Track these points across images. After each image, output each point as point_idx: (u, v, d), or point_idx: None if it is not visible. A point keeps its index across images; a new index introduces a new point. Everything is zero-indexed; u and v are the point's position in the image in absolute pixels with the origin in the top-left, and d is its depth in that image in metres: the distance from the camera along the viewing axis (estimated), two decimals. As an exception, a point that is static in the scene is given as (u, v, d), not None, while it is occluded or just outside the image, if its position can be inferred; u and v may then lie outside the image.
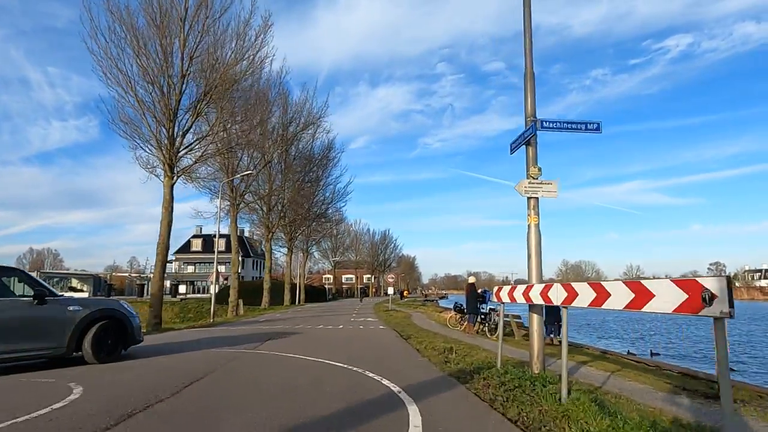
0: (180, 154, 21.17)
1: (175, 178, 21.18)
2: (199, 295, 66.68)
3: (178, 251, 79.17)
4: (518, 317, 15.90)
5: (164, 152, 20.58)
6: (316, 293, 66.10)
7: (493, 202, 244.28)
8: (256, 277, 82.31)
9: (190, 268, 78.92)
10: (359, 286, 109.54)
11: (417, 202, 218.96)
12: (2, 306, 7.02)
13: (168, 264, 79.36)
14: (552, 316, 12.93)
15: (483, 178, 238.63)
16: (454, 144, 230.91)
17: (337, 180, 39.10)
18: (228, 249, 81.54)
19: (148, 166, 21.09)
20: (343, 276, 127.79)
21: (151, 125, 20.36)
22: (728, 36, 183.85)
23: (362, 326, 18.37)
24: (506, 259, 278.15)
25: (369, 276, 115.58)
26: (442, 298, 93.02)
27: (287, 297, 46.78)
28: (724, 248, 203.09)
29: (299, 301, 49.91)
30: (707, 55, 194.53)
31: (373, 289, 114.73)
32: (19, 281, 7.59)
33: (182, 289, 76.14)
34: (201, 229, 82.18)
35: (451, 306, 22.90)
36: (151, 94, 20.05)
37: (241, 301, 34.26)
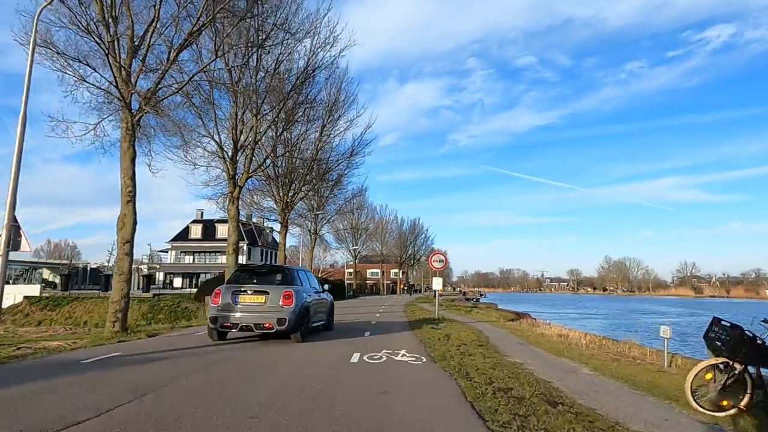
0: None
1: (136, 114, 12.86)
2: (193, 291, 55.56)
3: (174, 239, 68.28)
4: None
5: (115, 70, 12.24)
6: (332, 289, 53.61)
7: (524, 199, 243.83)
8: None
9: (188, 259, 67.88)
10: (385, 282, 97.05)
11: (446, 199, 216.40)
12: (317, 296, 11.90)
13: (163, 254, 68.78)
14: None
15: (513, 174, 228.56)
16: (484, 140, 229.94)
17: (352, 123, 26.55)
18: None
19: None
20: (368, 270, 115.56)
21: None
22: None
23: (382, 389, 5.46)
24: (536, 257, 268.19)
25: (396, 271, 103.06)
26: (481, 296, 79.54)
27: None
28: (764, 246, 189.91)
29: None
30: (751, 45, 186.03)
31: (402, 285, 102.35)
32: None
33: (178, 282, 65.15)
34: (202, 213, 71.00)
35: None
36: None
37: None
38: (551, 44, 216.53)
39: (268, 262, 72.37)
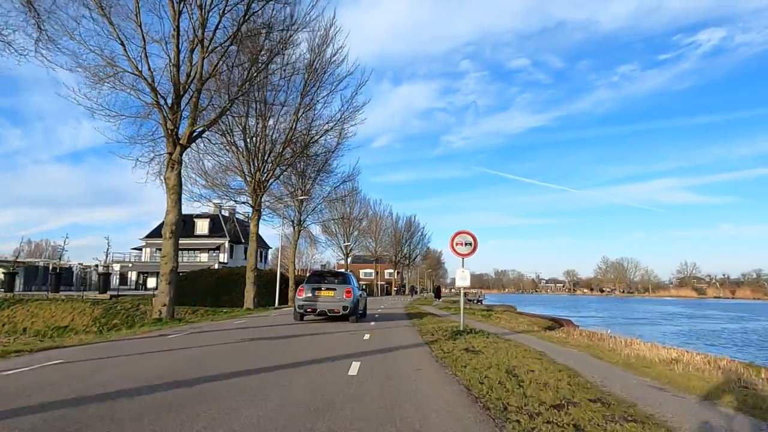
0: None
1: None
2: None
3: (149, 235, 62.29)
4: None
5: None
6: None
7: (517, 201, 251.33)
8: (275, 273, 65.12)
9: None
10: (379, 282, 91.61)
11: (439, 200, 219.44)
12: (360, 293, 16.23)
13: (137, 251, 62.90)
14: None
15: (506, 176, 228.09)
16: (478, 142, 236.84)
17: (338, 74, 21.06)
18: (214, 232, 64.38)
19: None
20: (362, 270, 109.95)
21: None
22: (764, 29, 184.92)
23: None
24: (529, 258, 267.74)
25: (391, 271, 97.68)
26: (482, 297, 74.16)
27: (291, 293, 29.99)
28: (756, 248, 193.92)
29: (288, 300, 32.26)
30: (741, 48, 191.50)
31: (395, 287, 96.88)
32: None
33: (152, 282, 59.09)
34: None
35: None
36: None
37: (167, 301, 16.49)
38: (544, 47, 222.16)
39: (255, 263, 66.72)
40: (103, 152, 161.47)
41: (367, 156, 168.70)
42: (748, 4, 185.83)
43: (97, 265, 63.68)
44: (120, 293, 34.71)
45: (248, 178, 21.50)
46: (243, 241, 63.88)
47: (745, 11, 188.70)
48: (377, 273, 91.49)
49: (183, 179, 15.50)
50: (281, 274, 32.12)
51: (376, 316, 19.04)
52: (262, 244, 68.01)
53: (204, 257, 59.45)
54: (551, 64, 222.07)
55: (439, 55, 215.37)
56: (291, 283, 32.34)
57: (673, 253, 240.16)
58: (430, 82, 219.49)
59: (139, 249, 61.91)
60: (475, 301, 58.04)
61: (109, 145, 30.93)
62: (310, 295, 14.42)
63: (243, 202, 23.32)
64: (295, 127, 21.63)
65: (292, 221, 32.13)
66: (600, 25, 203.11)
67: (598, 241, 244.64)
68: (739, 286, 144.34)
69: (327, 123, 22.59)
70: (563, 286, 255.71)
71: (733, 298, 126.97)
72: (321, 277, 15.58)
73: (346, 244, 51.56)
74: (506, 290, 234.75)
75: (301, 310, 14.46)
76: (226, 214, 67.24)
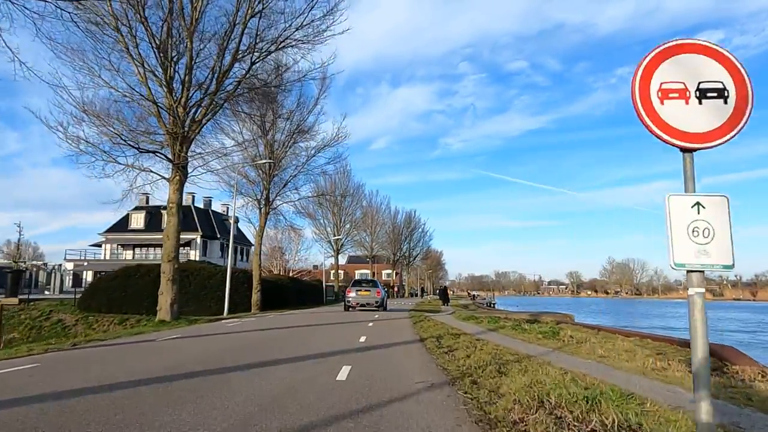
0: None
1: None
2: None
3: (110, 230, 54.11)
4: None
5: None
6: (305, 292, 40.03)
7: (515, 203, 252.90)
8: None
9: (128, 254, 53.65)
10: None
11: (437, 203, 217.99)
12: (384, 292, 25.28)
13: (96, 248, 54.64)
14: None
15: (505, 178, 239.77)
16: (476, 144, 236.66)
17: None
18: (185, 226, 56.18)
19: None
20: (357, 271, 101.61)
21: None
22: (761, 31, 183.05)
23: None
24: (529, 260, 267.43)
25: (390, 272, 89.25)
26: (492, 303, 66.18)
27: (254, 297, 22.98)
28: (754, 249, 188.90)
29: (256, 305, 24.13)
30: (738, 51, 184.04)
31: (394, 289, 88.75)
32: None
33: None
34: (147, 199, 56.91)
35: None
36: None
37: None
38: (543, 49, 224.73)
39: (235, 261, 58.25)
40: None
41: (365, 158, 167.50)
42: (745, 6, 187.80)
43: (45, 264, 54.93)
44: (32, 298, 26.53)
45: (164, 109, 13.30)
46: (219, 236, 55.73)
47: (742, 13, 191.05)
48: (374, 274, 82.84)
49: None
50: (232, 272, 24.05)
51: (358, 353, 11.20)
52: (242, 240, 59.67)
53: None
54: (549, 67, 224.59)
55: (438, 57, 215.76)
56: (255, 283, 24.22)
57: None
58: (429, 84, 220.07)
59: (98, 245, 53.63)
60: (485, 305, 50.03)
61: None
62: (354, 294, 24.04)
63: (157, 152, 14.68)
64: (246, 19, 13.49)
65: (258, 201, 24.03)
66: (598, 28, 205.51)
67: (598, 242, 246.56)
68: (757, 287, 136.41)
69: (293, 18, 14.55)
70: (566, 288, 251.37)
71: (754, 300, 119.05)
72: (360, 283, 26.71)
73: (336, 237, 43.35)
74: (506, 292, 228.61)
75: (349, 304, 24.05)
76: (201, 205, 59.12)
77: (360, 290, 23.87)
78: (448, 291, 41.29)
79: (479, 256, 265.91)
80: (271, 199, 23.91)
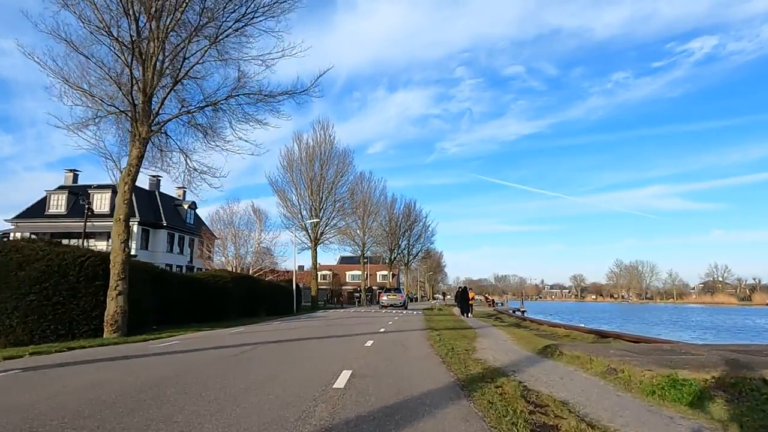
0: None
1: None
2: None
3: (22, 215, 41.75)
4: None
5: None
6: (266, 297, 27.88)
7: (511, 207, 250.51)
8: (182, 268, 44.21)
9: (44, 247, 40.98)
10: (372, 286, 70.94)
11: (434, 207, 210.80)
12: (406, 296, 46.31)
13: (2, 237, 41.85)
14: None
15: (501, 183, 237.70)
16: (472, 149, 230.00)
17: None
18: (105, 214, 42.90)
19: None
20: (348, 273, 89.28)
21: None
22: (755, 37, 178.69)
23: None
24: (525, 264, 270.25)
25: (385, 273, 76.52)
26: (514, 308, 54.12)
27: (111, 306, 10.39)
28: (747, 254, 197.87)
29: (112, 322, 12.09)
30: (733, 56, 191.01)
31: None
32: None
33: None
34: (75, 176, 44.40)
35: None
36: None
37: None
38: (539, 54, 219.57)
39: (184, 252, 45.71)
40: (92, 158, 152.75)
41: (361, 162, 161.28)
42: (740, 12, 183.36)
43: None
44: None
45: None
46: (165, 223, 43.31)
47: (737, 19, 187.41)
48: (367, 276, 70.08)
49: None
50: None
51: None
52: (193, 230, 47.40)
53: (102, 245, 38.37)
54: (546, 72, 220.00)
55: (435, 62, 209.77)
56: (115, 278, 12.09)
57: (665, 260, 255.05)
58: (425, 88, 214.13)
59: (5, 235, 41.10)
60: (515, 312, 37.95)
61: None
62: (386, 298, 38.11)
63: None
64: None
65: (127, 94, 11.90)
66: (594, 33, 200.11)
67: (594, 247, 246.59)
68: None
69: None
70: (569, 292, 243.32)
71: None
72: (389, 290, 42.59)
73: (314, 220, 31.06)
74: (506, 297, 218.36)
75: (384, 305, 37.31)
76: (147, 187, 46.50)
77: (390, 294, 39.18)
78: (470, 295, 29.11)
79: (476, 260, 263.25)
80: (152, 85, 11.48)
